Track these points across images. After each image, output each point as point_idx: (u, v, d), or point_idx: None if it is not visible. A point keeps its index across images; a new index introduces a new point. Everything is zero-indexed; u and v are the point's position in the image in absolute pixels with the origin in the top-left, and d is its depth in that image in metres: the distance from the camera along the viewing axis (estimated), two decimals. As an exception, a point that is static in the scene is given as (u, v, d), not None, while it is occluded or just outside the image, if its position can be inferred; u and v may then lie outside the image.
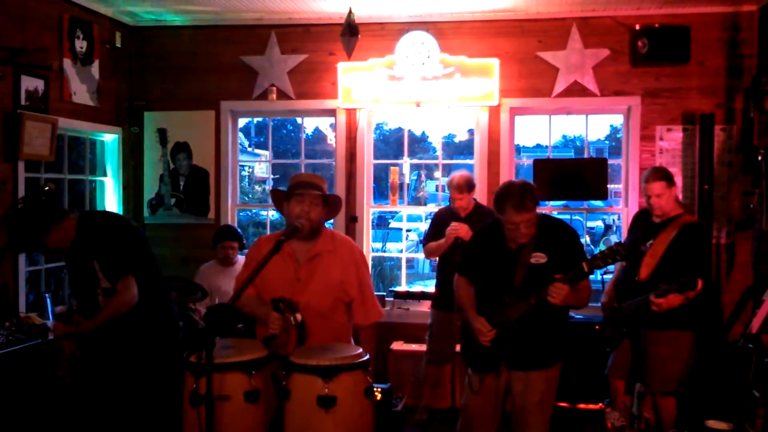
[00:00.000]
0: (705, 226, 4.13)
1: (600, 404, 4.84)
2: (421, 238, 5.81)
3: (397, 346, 5.75)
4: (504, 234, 3.49)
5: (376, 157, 6.44)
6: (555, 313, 3.43)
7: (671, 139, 5.76)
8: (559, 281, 3.24)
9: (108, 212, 3.76)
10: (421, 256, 6.73)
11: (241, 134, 8.12)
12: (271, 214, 7.33)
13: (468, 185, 5.07)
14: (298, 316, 3.19)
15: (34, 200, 3.92)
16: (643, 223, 4.31)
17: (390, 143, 18.94)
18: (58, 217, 3.59)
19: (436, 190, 5.24)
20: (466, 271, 3.72)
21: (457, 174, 5.14)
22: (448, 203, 5.27)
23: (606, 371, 4.46)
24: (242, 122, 8.24)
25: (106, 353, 3.69)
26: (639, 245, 4.18)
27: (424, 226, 9.58)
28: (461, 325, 3.75)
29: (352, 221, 6.16)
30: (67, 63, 5.50)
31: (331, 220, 6.11)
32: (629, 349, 4.27)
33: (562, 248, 3.45)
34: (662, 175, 4.17)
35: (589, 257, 3.30)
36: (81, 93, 5.68)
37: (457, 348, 4.08)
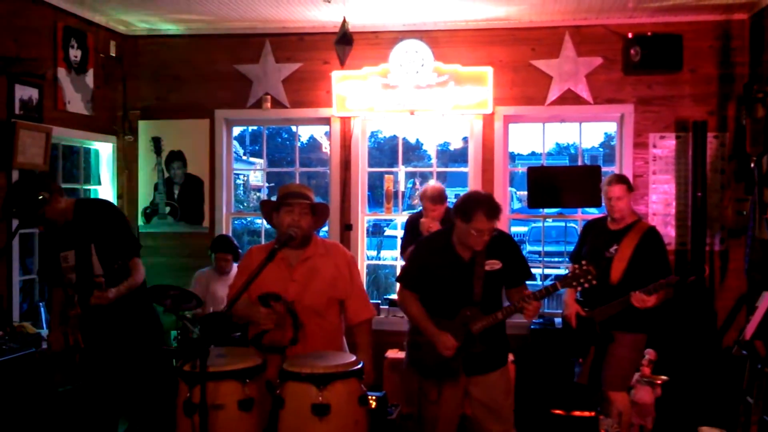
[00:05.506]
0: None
1: (594, 411, 4.85)
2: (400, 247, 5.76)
3: (392, 354, 5.74)
4: (453, 245, 3.58)
5: (370, 165, 6.45)
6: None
7: (664, 147, 5.79)
8: (532, 298, 3.42)
9: (103, 199, 4.02)
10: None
11: (235, 143, 8.12)
12: (266, 222, 7.32)
13: (441, 197, 5.09)
14: (287, 301, 3.28)
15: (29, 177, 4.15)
16: (599, 232, 4.49)
17: (384, 151, 18.93)
18: (54, 190, 3.76)
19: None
20: (414, 284, 3.74)
21: (430, 186, 5.16)
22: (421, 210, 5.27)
23: (576, 379, 4.54)
24: (237, 131, 8.25)
25: (110, 335, 3.86)
26: (602, 252, 4.34)
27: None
28: (410, 338, 3.82)
29: (347, 229, 6.16)
30: (62, 72, 5.50)
31: (326, 228, 6.12)
32: (592, 354, 4.39)
33: (512, 256, 3.63)
34: (624, 181, 4.43)
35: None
36: (75, 102, 5.68)
37: None
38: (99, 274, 3.72)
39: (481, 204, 3.42)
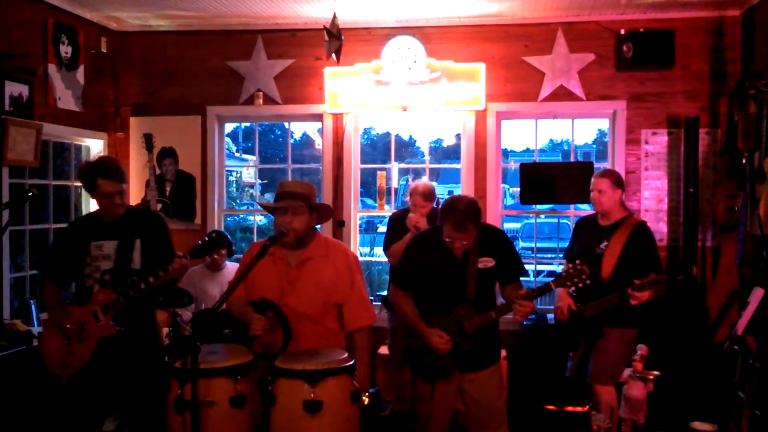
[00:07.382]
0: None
1: (586, 407, 4.86)
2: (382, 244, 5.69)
3: (385, 350, 5.74)
4: (445, 244, 3.55)
5: (363, 162, 6.44)
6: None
7: (656, 143, 5.80)
8: (524, 298, 3.39)
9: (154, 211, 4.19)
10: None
11: (228, 139, 8.10)
12: (258, 219, 7.32)
13: (432, 195, 5.03)
14: (280, 310, 3.24)
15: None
16: (590, 228, 4.51)
17: (377, 148, 18.90)
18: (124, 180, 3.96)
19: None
20: (406, 283, 3.71)
21: (422, 183, 5.11)
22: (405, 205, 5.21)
23: (567, 374, 4.55)
24: (229, 127, 8.21)
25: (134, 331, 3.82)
26: (593, 248, 4.35)
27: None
28: (405, 340, 3.80)
29: (340, 226, 6.15)
30: (52, 68, 5.47)
31: (319, 225, 6.10)
32: (582, 350, 4.40)
33: (505, 253, 3.62)
34: (611, 175, 4.46)
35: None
36: (66, 98, 5.65)
37: None
38: (138, 270, 3.72)
39: (452, 215, 3.38)
